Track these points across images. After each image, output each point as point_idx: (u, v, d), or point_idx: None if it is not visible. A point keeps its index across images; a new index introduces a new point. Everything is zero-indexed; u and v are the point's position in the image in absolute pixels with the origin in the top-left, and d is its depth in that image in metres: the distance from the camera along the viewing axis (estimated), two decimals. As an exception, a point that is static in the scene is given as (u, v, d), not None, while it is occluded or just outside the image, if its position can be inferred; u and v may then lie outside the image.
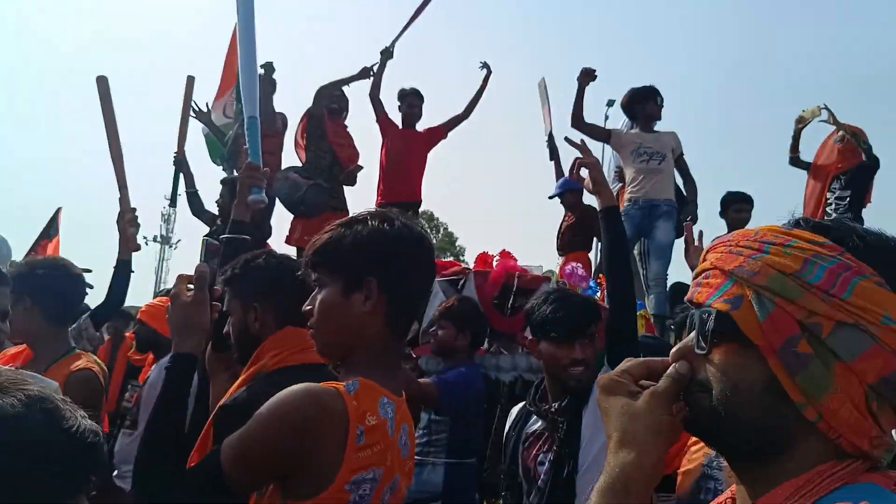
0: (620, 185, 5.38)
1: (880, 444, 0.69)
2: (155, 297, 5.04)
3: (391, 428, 1.21)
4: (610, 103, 5.58)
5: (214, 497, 1.17)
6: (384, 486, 1.19)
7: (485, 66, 5.85)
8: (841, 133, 5.43)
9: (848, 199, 5.31)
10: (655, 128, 5.21)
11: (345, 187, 5.65)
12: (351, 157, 5.59)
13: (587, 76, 5.06)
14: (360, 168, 5.54)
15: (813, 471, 0.69)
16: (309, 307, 1.31)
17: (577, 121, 5.11)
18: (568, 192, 5.63)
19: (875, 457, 0.70)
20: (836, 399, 0.68)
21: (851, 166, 5.35)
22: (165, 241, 33.24)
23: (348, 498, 1.14)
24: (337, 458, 1.13)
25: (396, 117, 5.77)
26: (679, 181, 5.23)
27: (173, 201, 5.51)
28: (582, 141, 2.32)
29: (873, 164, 5.29)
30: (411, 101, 5.72)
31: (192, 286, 1.37)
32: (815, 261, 0.71)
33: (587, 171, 2.16)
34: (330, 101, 5.59)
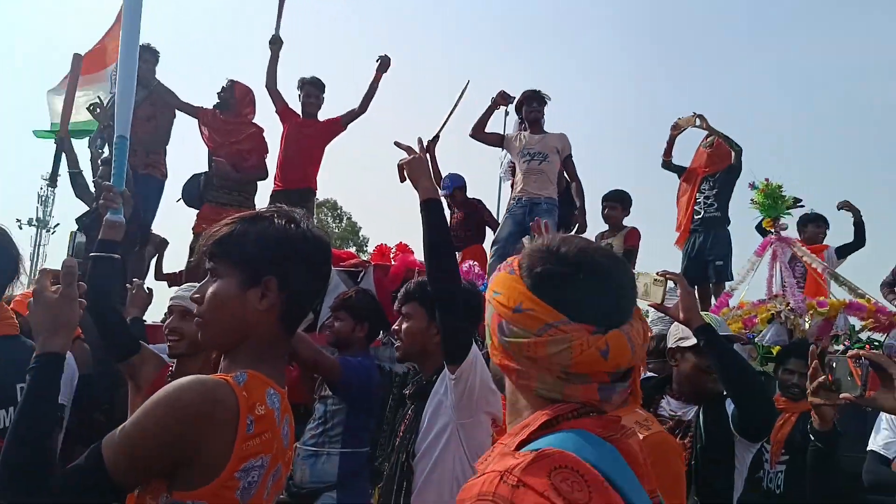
0: (513, 179, 5.64)
1: (527, 377, 0.92)
2: (29, 285, 4.76)
3: (277, 418, 1.25)
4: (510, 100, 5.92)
5: (95, 498, 1.12)
6: (270, 472, 1.23)
7: (381, 60, 5.65)
8: (711, 138, 5.92)
9: (714, 198, 5.79)
10: (546, 129, 5.46)
11: (258, 182, 5.63)
12: (230, 153, 5.43)
13: (503, 99, 5.30)
14: (224, 163, 5.36)
15: (535, 413, 0.91)
16: (198, 295, 1.29)
17: (477, 132, 5.32)
18: (456, 189, 5.81)
19: (545, 393, 0.91)
20: (492, 346, 0.99)
21: (720, 169, 5.82)
22: (42, 224, 30.88)
23: (237, 485, 1.15)
24: (227, 449, 1.14)
25: (298, 106, 5.71)
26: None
27: (53, 181, 5.23)
28: (425, 143, 2.35)
29: (739, 167, 5.80)
30: (308, 90, 5.68)
31: (57, 281, 1.31)
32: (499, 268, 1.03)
33: (406, 167, 2.17)
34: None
